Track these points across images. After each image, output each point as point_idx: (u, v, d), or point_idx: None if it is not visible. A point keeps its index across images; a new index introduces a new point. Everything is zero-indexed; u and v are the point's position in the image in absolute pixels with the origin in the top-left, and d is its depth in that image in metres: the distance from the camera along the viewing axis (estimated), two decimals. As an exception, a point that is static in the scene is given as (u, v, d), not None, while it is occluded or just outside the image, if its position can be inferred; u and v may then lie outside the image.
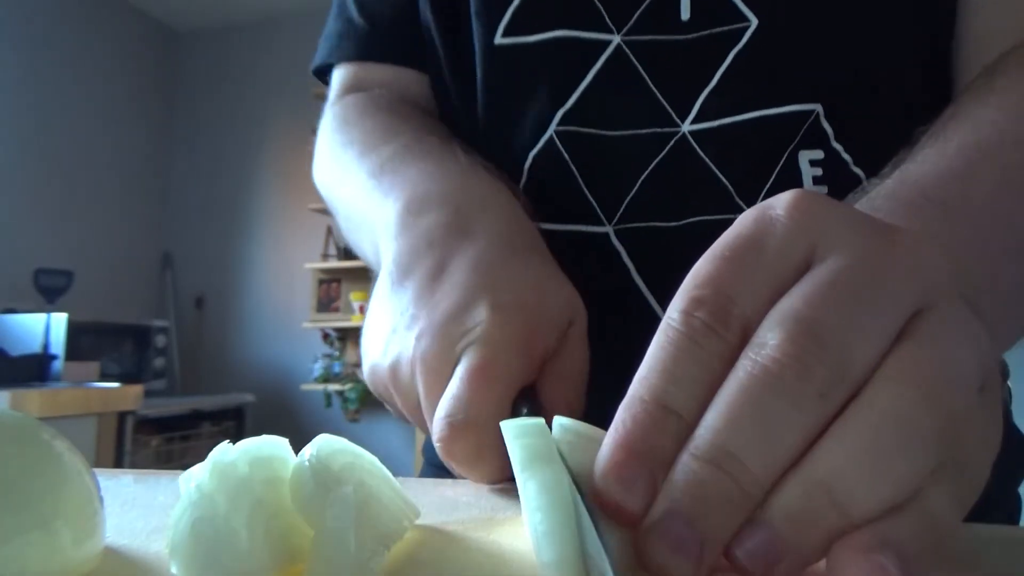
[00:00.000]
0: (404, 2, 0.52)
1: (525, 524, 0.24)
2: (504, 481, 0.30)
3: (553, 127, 0.45)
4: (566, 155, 0.45)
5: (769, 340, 0.18)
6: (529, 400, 0.29)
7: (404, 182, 0.39)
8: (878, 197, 0.28)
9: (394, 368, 0.32)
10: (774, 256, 0.20)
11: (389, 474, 0.25)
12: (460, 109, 0.50)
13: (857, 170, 0.41)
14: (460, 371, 0.28)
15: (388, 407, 0.35)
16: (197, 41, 3.76)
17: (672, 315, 0.20)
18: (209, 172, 3.65)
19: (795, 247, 0.21)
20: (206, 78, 3.72)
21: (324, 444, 0.23)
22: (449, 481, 0.34)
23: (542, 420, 0.21)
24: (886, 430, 0.17)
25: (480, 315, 0.29)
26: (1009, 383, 0.51)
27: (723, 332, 0.19)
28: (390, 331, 0.32)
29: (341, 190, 0.47)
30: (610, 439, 0.19)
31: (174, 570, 0.20)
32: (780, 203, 0.22)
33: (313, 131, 0.60)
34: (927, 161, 0.31)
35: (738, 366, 0.19)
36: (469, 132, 0.50)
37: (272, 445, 0.23)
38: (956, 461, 0.18)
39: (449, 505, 0.29)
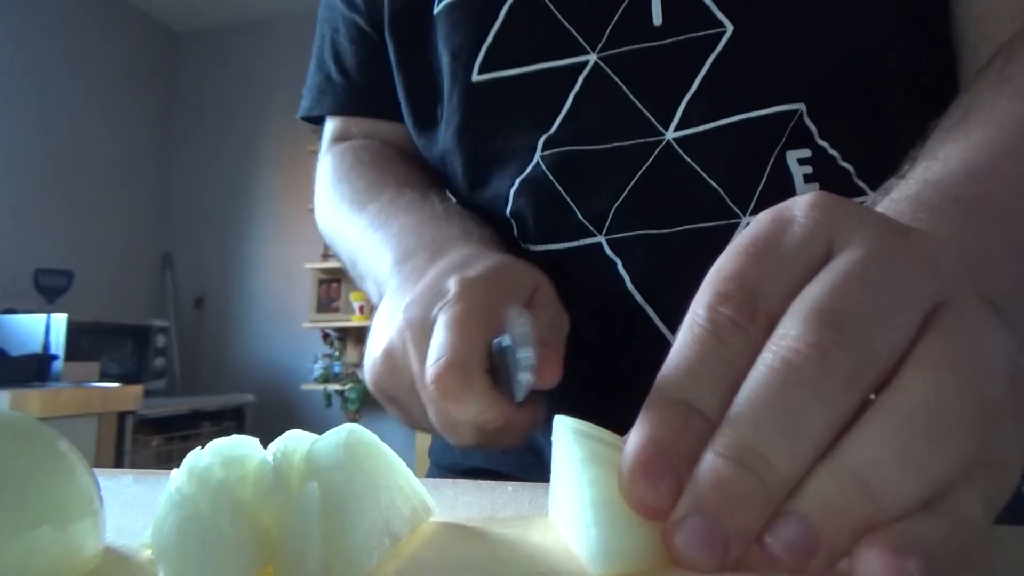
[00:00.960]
0: (377, 58, 0.55)
1: (560, 518, 0.24)
2: (508, 441, 0.34)
3: (538, 153, 0.45)
4: (551, 176, 0.45)
5: (791, 332, 0.18)
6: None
7: (391, 238, 0.44)
8: (901, 200, 0.28)
9: (389, 353, 0.35)
10: (795, 251, 0.21)
11: (408, 472, 0.25)
12: (428, 151, 0.53)
13: (846, 165, 0.41)
14: (437, 326, 0.32)
15: (394, 412, 0.37)
16: (197, 41, 3.76)
17: (697, 311, 0.20)
18: (209, 172, 3.65)
19: (814, 242, 0.21)
20: (206, 78, 3.72)
21: (289, 441, 0.23)
22: (449, 481, 0.34)
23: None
24: (920, 417, 0.17)
25: (450, 285, 0.33)
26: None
27: (749, 327, 0.19)
28: (384, 330, 0.36)
29: (342, 240, 0.52)
30: (636, 436, 0.20)
31: (162, 574, 0.20)
32: (797, 204, 0.22)
33: (313, 131, 0.61)
34: (949, 159, 0.30)
35: (760, 359, 0.19)
36: (444, 169, 0.52)
37: (242, 444, 0.23)
38: (989, 457, 0.18)
39: (448, 504, 0.29)
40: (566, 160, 0.45)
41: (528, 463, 0.48)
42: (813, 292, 0.19)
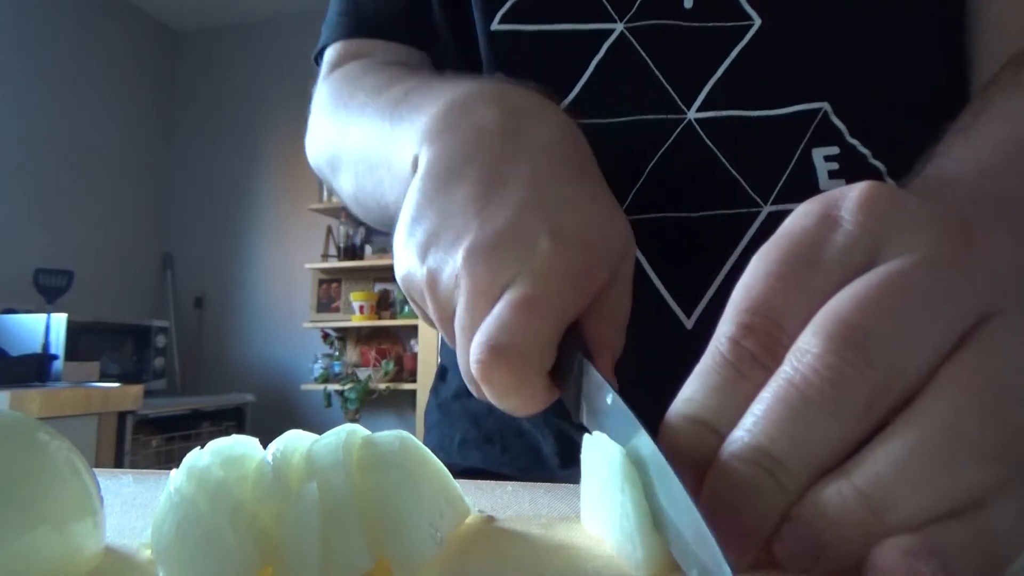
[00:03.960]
0: None
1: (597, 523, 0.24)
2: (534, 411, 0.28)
3: None
4: None
5: (812, 348, 0.18)
6: (573, 338, 0.27)
7: (435, 99, 0.34)
8: None
9: (433, 277, 0.28)
10: (834, 269, 0.20)
11: (446, 471, 0.26)
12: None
13: (877, 163, 0.41)
14: (509, 297, 0.26)
15: (416, 311, 0.32)
16: (197, 41, 3.76)
17: (721, 340, 0.20)
18: (209, 172, 3.65)
19: (856, 253, 0.20)
20: (206, 78, 3.72)
21: (289, 441, 0.23)
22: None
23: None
24: (935, 442, 0.17)
25: (537, 242, 0.26)
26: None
27: (771, 364, 0.19)
28: (432, 235, 0.29)
29: (347, 139, 0.43)
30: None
31: (162, 574, 0.20)
32: (847, 202, 0.20)
33: (312, 79, 0.56)
34: (964, 159, 0.29)
35: (779, 372, 0.18)
36: None
37: (242, 444, 0.23)
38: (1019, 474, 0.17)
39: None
40: (586, 132, 0.43)
41: (526, 463, 0.48)
42: (842, 302, 0.18)
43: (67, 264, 2.81)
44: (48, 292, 2.64)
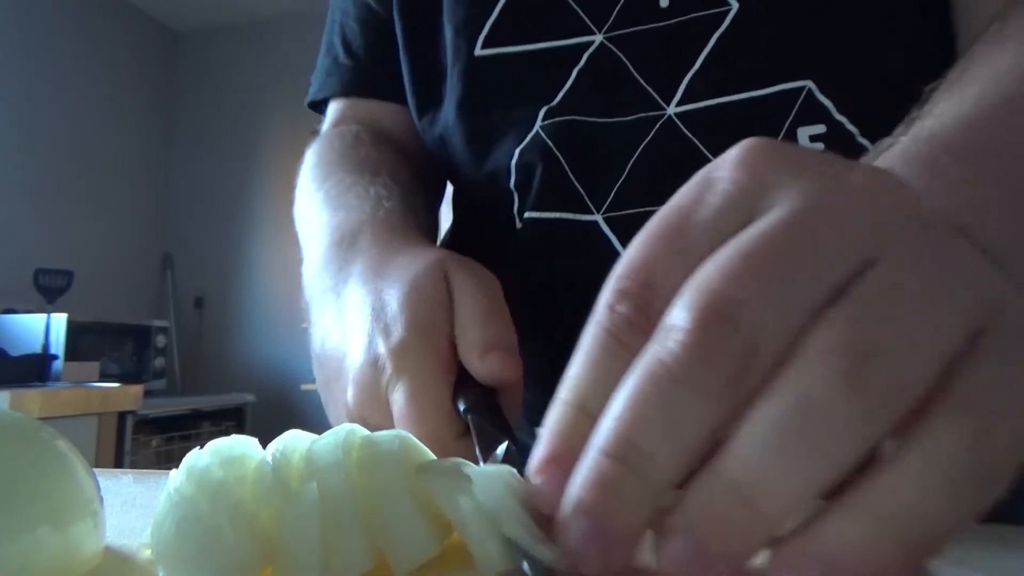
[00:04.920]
0: (385, 39, 0.55)
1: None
2: None
3: (538, 123, 0.45)
4: (551, 144, 0.44)
5: (677, 322, 0.17)
6: (463, 382, 0.32)
7: (316, 232, 0.45)
8: (891, 156, 0.26)
9: (352, 415, 0.35)
10: (710, 229, 0.19)
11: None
12: (428, 132, 0.53)
13: (864, 141, 0.40)
14: (395, 408, 0.32)
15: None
16: (197, 41, 3.76)
17: (597, 308, 0.19)
18: (209, 172, 3.64)
19: (734, 212, 0.19)
20: (206, 78, 3.72)
21: (288, 441, 0.23)
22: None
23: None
24: (797, 416, 0.15)
25: (383, 360, 0.33)
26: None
27: (646, 326, 0.18)
28: (339, 379, 0.37)
29: (307, 240, 0.52)
30: (540, 441, 0.19)
31: (162, 575, 0.20)
32: (724, 161, 0.20)
33: (313, 132, 0.62)
34: (944, 114, 0.28)
35: (645, 350, 0.17)
36: (444, 149, 0.51)
37: (241, 444, 0.23)
38: (924, 447, 0.16)
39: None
40: (567, 129, 0.44)
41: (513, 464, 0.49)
42: (707, 271, 0.17)
43: (67, 264, 2.81)
44: (48, 292, 2.64)
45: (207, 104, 3.69)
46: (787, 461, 0.15)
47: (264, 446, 0.24)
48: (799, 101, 0.41)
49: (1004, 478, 0.16)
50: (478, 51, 0.47)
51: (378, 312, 0.35)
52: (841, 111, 0.40)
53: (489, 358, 0.32)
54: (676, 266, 0.18)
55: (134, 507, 0.30)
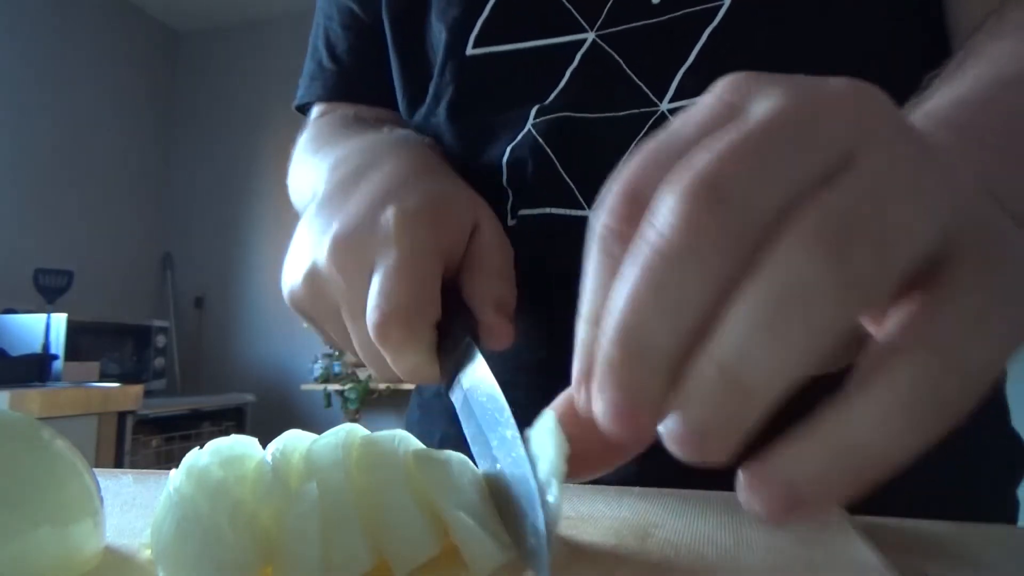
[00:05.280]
0: (369, 44, 0.56)
1: None
2: (417, 382, 0.34)
3: (530, 121, 0.45)
4: (542, 141, 0.44)
5: (665, 202, 0.17)
6: (455, 299, 0.32)
7: (332, 150, 0.44)
8: None
9: (312, 277, 0.33)
10: (693, 138, 0.19)
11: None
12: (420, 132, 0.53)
13: None
14: (381, 269, 0.31)
15: (310, 326, 0.37)
16: (197, 41, 3.76)
17: (592, 230, 0.20)
18: (209, 172, 3.65)
19: (719, 119, 0.19)
20: (206, 78, 3.72)
21: (288, 441, 0.23)
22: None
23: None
24: (782, 295, 0.16)
25: (388, 219, 0.32)
26: (1006, 384, 0.50)
27: (632, 230, 0.18)
28: (306, 248, 0.34)
29: (298, 181, 0.53)
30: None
31: (162, 574, 0.20)
32: (716, 84, 0.20)
33: None
34: (942, 95, 0.29)
35: (636, 237, 0.18)
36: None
37: (241, 444, 0.23)
38: (885, 381, 0.16)
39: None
40: (558, 126, 0.44)
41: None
42: (692, 156, 0.17)
43: (67, 264, 2.81)
44: (48, 292, 2.64)
45: (207, 104, 3.69)
46: (770, 339, 0.16)
47: (264, 446, 0.24)
48: None
49: (965, 408, 0.16)
50: (469, 50, 0.47)
51: (397, 184, 0.34)
52: None
53: (501, 314, 0.32)
54: (660, 175, 0.18)
55: (134, 507, 0.30)
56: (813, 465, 0.16)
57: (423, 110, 0.51)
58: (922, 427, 0.16)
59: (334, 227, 0.33)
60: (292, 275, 0.35)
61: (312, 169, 0.48)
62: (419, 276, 0.31)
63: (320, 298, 0.34)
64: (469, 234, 0.35)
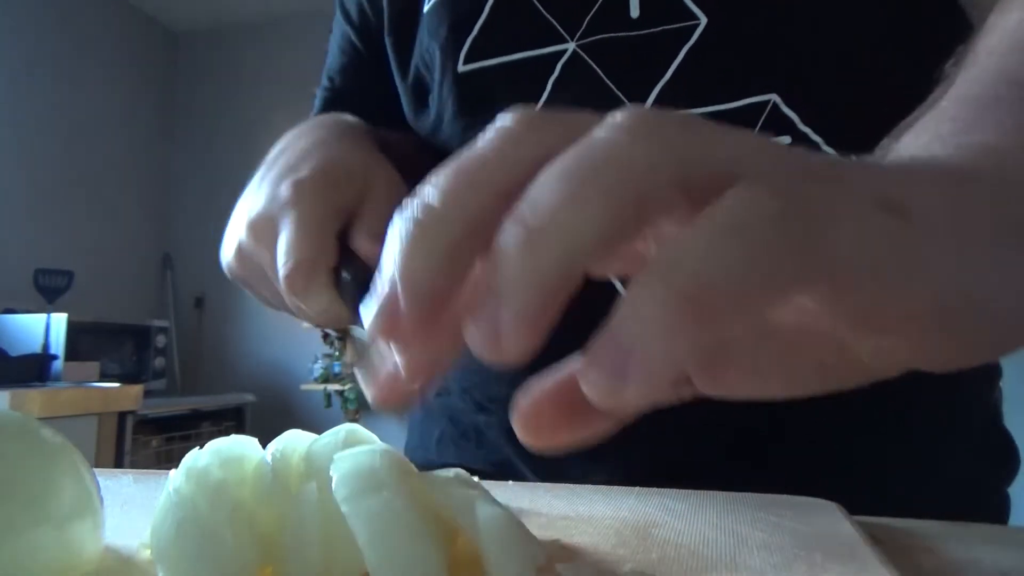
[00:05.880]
0: (360, 70, 0.60)
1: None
2: (332, 325, 0.39)
3: None
4: None
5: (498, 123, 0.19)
6: (350, 259, 0.36)
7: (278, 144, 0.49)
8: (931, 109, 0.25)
9: (240, 249, 0.41)
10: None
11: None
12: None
13: (829, 150, 0.41)
14: (283, 233, 0.36)
15: (248, 291, 0.45)
16: (197, 41, 3.76)
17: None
18: (209, 172, 3.64)
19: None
20: (206, 78, 3.72)
21: (288, 441, 0.23)
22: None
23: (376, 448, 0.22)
24: (580, 159, 0.16)
25: (283, 189, 0.37)
26: (1001, 384, 0.51)
27: None
28: (235, 229, 0.42)
29: None
30: None
31: (161, 575, 0.20)
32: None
33: None
34: (956, 73, 0.28)
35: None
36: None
37: (241, 445, 0.23)
38: (714, 212, 0.15)
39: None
40: None
41: (499, 459, 0.50)
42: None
43: (67, 264, 2.81)
44: (48, 292, 2.64)
45: (207, 105, 3.69)
46: (572, 199, 0.16)
47: (264, 446, 0.24)
48: (765, 114, 0.41)
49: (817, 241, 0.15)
50: (461, 67, 0.49)
51: (298, 160, 0.40)
52: (806, 123, 0.42)
53: (374, 241, 0.36)
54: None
55: (134, 507, 0.30)
56: (650, 314, 0.14)
57: (429, 124, 0.53)
58: (759, 259, 0.15)
59: (249, 210, 0.39)
60: (226, 252, 0.43)
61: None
62: (312, 232, 0.35)
63: (248, 266, 0.41)
64: (363, 194, 0.38)
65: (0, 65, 2.85)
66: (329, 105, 0.62)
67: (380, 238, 0.34)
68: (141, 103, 3.55)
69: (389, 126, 0.60)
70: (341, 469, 0.21)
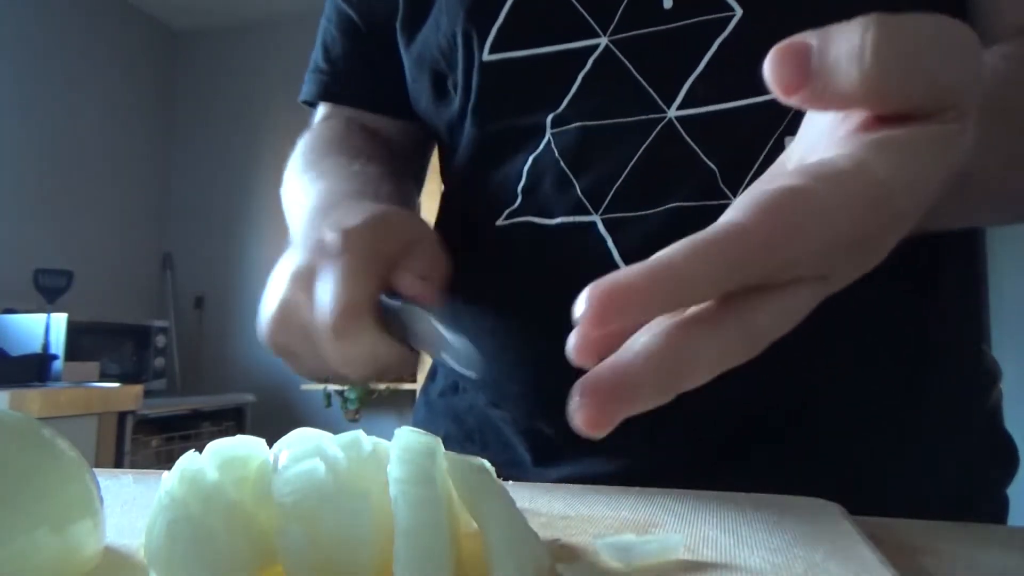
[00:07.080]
0: (362, 50, 0.58)
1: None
2: (368, 372, 0.38)
3: (548, 133, 0.46)
4: (556, 152, 0.45)
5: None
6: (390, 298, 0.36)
7: (303, 205, 0.49)
8: None
9: (283, 307, 0.39)
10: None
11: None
12: (444, 136, 0.55)
13: None
14: (325, 276, 0.36)
15: (289, 363, 0.42)
16: (197, 41, 3.76)
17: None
18: (209, 172, 3.64)
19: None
20: (206, 78, 3.72)
21: (295, 441, 0.23)
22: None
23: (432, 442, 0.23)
24: None
25: (330, 237, 0.37)
26: (1001, 385, 0.51)
27: None
28: (274, 292, 0.40)
29: (287, 207, 0.58)
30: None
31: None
32: None
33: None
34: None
35: None
36: (451, 139, 0.53)
37: (244, 446, 0.23)
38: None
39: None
40: (573, 138, 0.45)
41: (503, 460, 0.50)
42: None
43: (67, 264, 2.80)
44: (48, 292, 2.64)
45: (207, 104, 3.69)
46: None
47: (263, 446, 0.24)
48: (793, 110, 0.41)
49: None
50: (486, 56, 0.48)
51: (340, 216, 0.40)
52: None
53: (417, 280, 0.37)
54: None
55: (134, 507, 0.30)
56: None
57: (449, 112, 0.52)
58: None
59: (294, 265, 0.39)
60: (264, 317, 0.40)
61: (294, 204, 0.53)
62: (356, 278, 0.35)
63: (290, 325, 0.39)
64: (407, 245, 0.39)
65: None
66: (331, 91, 0.60)
67: (427, 280, 0.37)
68: (141, 103, 3.55)
69: (392, 112, 0.59)
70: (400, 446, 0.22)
